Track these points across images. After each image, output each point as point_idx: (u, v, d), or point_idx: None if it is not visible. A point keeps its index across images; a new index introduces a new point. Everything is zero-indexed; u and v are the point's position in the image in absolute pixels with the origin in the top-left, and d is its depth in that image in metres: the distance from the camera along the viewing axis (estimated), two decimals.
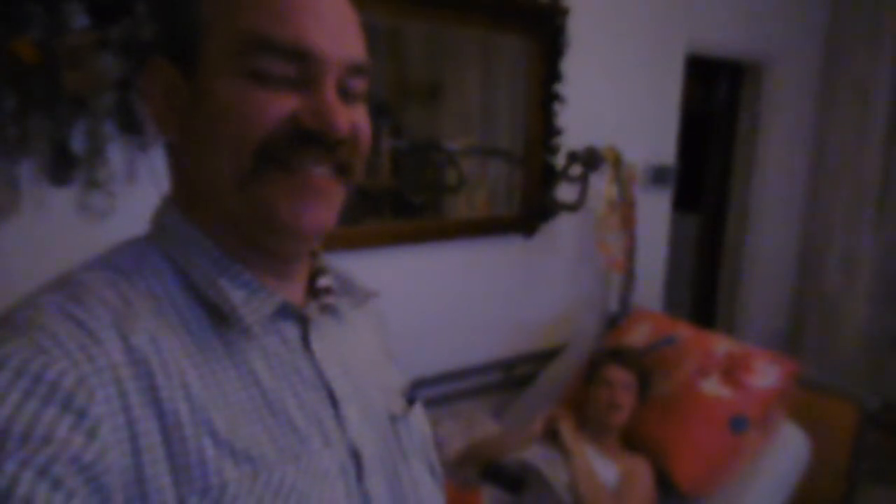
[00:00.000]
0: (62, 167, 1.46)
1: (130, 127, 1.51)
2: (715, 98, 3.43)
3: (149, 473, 0.45)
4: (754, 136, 3.20)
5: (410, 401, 0.68)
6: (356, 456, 0.56)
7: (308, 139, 0.51)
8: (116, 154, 1.52)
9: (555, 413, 1.77)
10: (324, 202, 0.54)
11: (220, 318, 0.53)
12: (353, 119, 0.54)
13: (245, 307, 0.53)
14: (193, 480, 0.46)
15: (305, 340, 0.58)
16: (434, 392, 2.13)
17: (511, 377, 2.37)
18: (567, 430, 1.70)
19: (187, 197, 0.57)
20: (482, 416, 2.11)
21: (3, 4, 1.32)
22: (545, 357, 2.38)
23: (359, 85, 0.55)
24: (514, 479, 1.62)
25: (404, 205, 2.21)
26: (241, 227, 0.54)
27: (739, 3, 2.83)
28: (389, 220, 2.15)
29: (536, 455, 1.69)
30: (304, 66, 0.51)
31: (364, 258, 1.90)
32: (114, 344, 0.47)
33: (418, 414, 0.69)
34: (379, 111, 2.17)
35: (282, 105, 0.51)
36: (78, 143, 1.47)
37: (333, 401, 0.57)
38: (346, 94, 0.54)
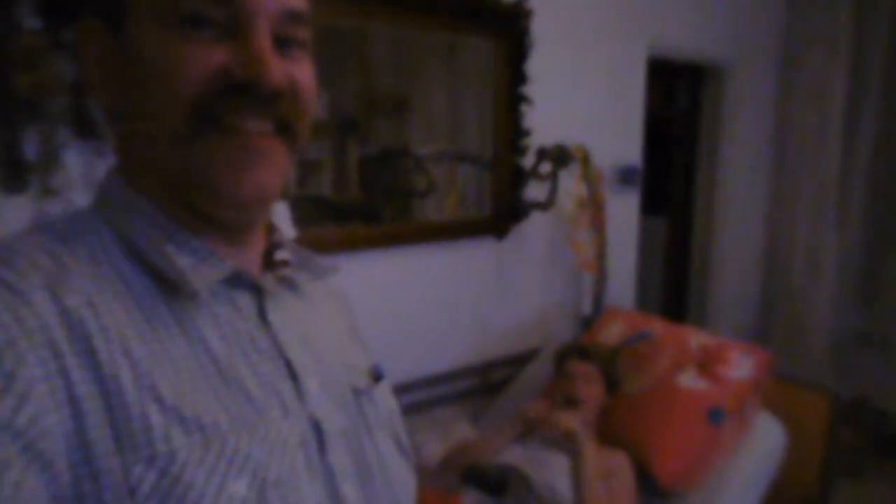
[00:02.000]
0: (15, 174, 1.41)
1: (86, 132, 1.46)
2: (677, 101, 3.49)
3: (93, 437, 0.43)
4: (716, 138, 3.26)
5: (377, 377, 0.66)
6: (317, 429, 0.54)
7: (240, 92, 0.48)
8: (73, 160, 1.47)
9: (531, 405, 1.75)
10: (264, 164, 0.51)
11: (166, 285, 0.50)
12: (292, 72, 0.51)
13: (193, 273, 0.50)
14: (138, 448, 0.44)
15: (261, 311, 0.55)
16: (409, 399, 2.09)
17: (486, 382, 2.34)
18: (573, 424, 1.68)
19: (128, 164, 0.54)
20: (459, 421, 2.08)
21: None
22: (521, 361, 2.36)
23: (298, 33, 0.52)
24: (495, 481, 1.59)
25: (373, 214, 2.19)
26: (180, 192, 0.51)
27: (699, 6, 2.89)
28: (358, 226, 2.12)
29: (517, 456, 1.66)
30: (230, 12, 0.48)
31: (333, 263, 1.86)
32: (46, 306, 0.44)
33: (384, 390, 0.67)
34: (345, 122, 2.15)
35: (210, 57, 0.48)
36: (31, 149, 1.41)
37: (292, 373, 0.54)
38: (284, 45, 0.51)
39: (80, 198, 1.46)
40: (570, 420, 1.70)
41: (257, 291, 0.56)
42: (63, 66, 1.39)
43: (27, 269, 0.45)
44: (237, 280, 0.54)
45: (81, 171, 1.49)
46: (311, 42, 0.54)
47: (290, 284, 0.61)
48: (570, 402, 1.78)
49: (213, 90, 0.48)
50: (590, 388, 1.80)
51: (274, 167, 0.52)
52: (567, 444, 1.66)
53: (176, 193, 0.52)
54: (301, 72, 0.52)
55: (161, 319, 0.49)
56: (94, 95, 0.52)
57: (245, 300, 0.55)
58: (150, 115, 0.49)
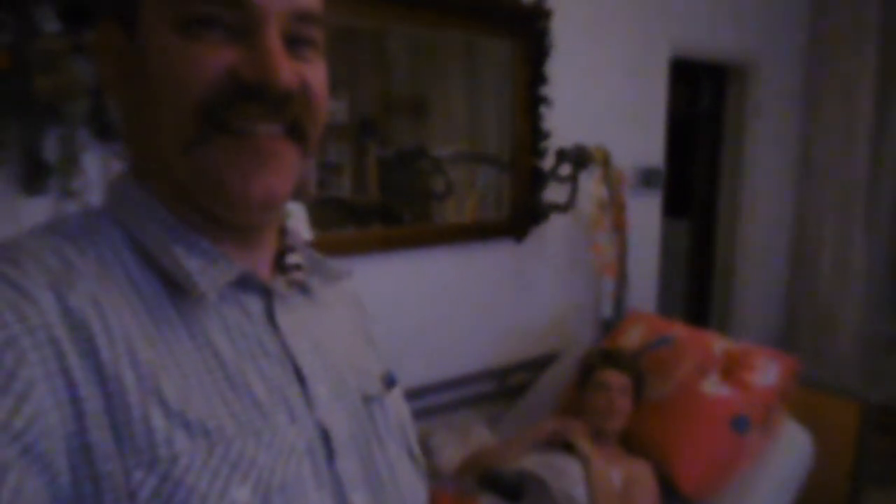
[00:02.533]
0: (35, 176, 1.42)
1: (105, 134, 1.47)
2: (700, 101, 3.43)
3: (94, 438, 0.42)
4: (740, 138, 3.20)
5: (389, 384, 0.65)
6: (325, 435, 0.53)
7: (249, 94, 0.47)
8: (91, 162, 1.48)
9: (567, 424, 1.72)
10: (274, 167, 0.50)
11: (174, 287, 0.49)
12: (303, 73, 0.50)
13: (200, 275, 0.49)
14: (139, 452, 0.43)
15: (270, 314, 0.54)
16: (427, 402, 2.08)
17: (505, 386, 2.32)
18: (582, 439, 1.66)
19: (139, 165, 0.54)
20: (476, 426, 2.06)
21: None
22: (539, 364, 2.33)
23: (310, 33, 0.51)
24: (512, 486, 1.57)
25: (393, 216, 2.18)
26: (190, 195, 0.51)
27: (722, 5, 2.84)
28: (377, 228, 2.11)
29: (535, 462, 1.63)
30: (241, 13, 0.47)
31: (352, 265, 1.85)
32: (49, 305, 0.43)
33: (396, 397, 0.66)
34: (364, 124, 2.14)
35: (218, 58, 0.47)
36: (51, 152, 1.43)
37: (300, 377, 0.53)
38: (295, 45, 0.50)
39: (99, 199, 1.47)
40: (580, 433, 1.68)
41: (267, 294, 0.55)
42: (83, 69, 1.40)
43: (33, 267, 0.45)
44: (246, 283, 0.54)
45: (100, 173, 1.50)
46: (324, 42, 0.53)
47: (302, 288, 0.60)
48: (612, 414, 1.74)
49: (221, 92, 0.47)
50: (624, 400, 1.77)
51: (284, 170, 0.51)
52: (559, 452, 1.64)
53: (186, 196, 0.51)
54: (313, 73, 0.51)
55: (169, 321, 0.48)
56: (108, 96, 0.52)
57: (254, 303, 0.54)
58: (160, 118, 0.49)
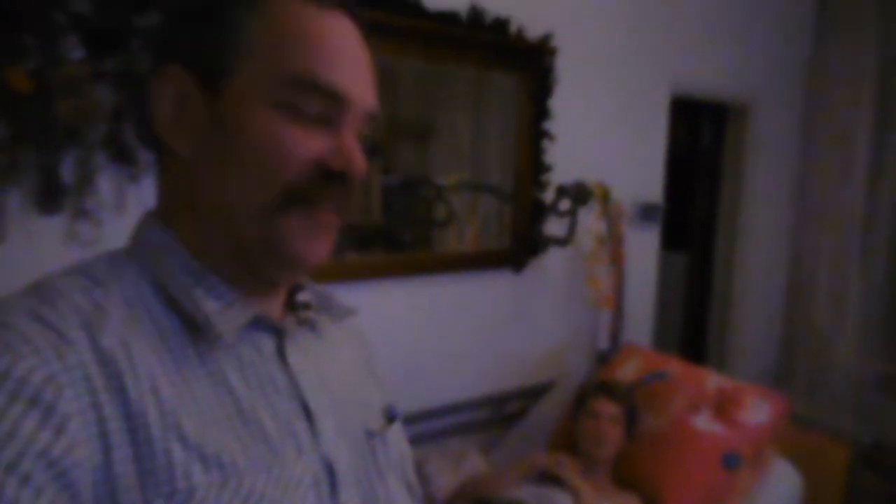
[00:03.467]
0: (51, 196, 1.46)
1: (122, 157, 1.52)
2: (700, 139, 3.49)
3: (119, 471, 0.45)
4: (739, 176, 3.25)
5: (391, 418, 0.68)
6: (330, 469, 0.56)
7: (332, 180, 0.54)
8: (106, 184, 1.52)
9: (558, 458, 1.74)
10: (328, 237, 0.57)
11: (193, 328, 0.53)
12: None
13: (218, 316, 0.53)
14: (160, 484, 0.46)
15: (281, 352, 0.58)
16: (422, 429, 2.10)
17: (500, 414, 2.34)
18: (573, 473, 1.68)
19: (183, 212, 0.56)
20: (471, 453, 2.08)
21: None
22: (534, 393, 2.36)
23: (367, 130, 0.59)
24: None
25: (394, 241, 2.22)
26: (246, 254, 0.55)
27: (722, 46, 2.91)
28: (379, 254, 2.15)
29: (526, 493, 1.65)
30: (335, 108, 0.54)
31: (352, 291, 1.89)
32: (83, 344, 0.47)
33: (397, 432, 0.69)
34: (370, 149, 2.19)
35: (311, 145, 0.53)
36: (68, 173, 1.47)
37: (308, 413, 0.57)
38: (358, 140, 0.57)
39: (110, 218, 1.51)
40: (571, 467, 1.70)
41: (278, 333, 0.59)
42: (103, 95, 1.44)
43: (68, 310, 0.48)
44: (259, 322, 0.57)
45: (113, 194, 1.54)
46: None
47: (310, 325, 0.64)
48: (599, 441, 1.77)
49: (308, 177, 0.53)
50: (614, 430, 1.79)
51: (332, 241, 0.58)
52: (551, 484, 1.67)
53: (238, 252, 0.55)
54: (365, 165, 0.58)
55: (188, 361, 0.52)
56: (160, 139, 0.55)
57: (266, 342, 0.57)
58: (243, 181, 0.53)
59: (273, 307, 0.60)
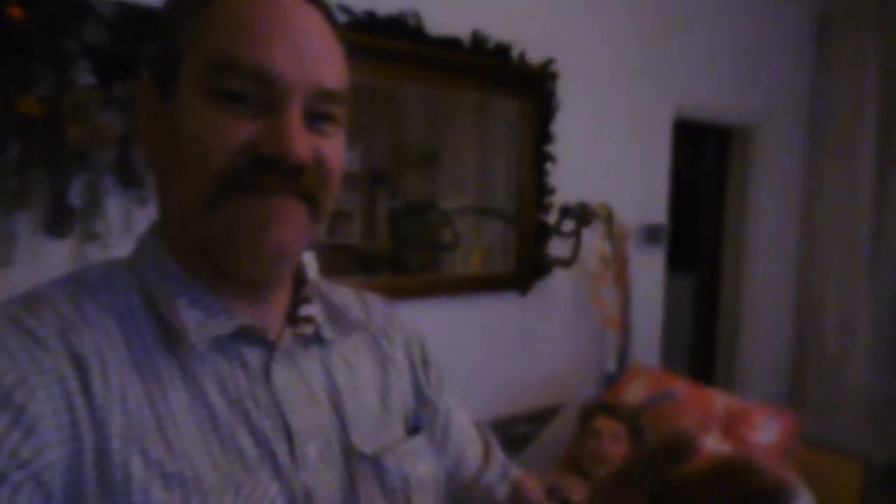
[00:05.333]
0: (60, 219, 1.48)
1: (130, 181, 1.54)
2: (704, 160, 3.51)
3: (88, 477, 0.45)
4: (744, 197, 3.26)
5: (415, 427, 0.66)
6: (307, 495, 0.53)
7: (266, 166, 0.51)
8: (115, 208, 1.54)
9: (564, 479, 1.73)
10: (284, 222, 0.52)
11: (174, 338, 0.52)
12: (319, 147, 0.53)
13: (197, 327, 0.52)
14: (115, 496, 0.45)
15: (268, 368, 0.56)
16: None
17: (509, 437, 2.32)
18: (578, 494, 1.66)
19: (164, 219, 0.58)
20: None
21: (11, 63, 1.37)
22: (543, 416, 2.34)
23: (332, 111, 0.54)
24: None
25: (401, 265, 2.23)
26: (206, 250, 0.54)
27: (725, 69, 2.94)
28: (385, 277, 2.16)
29: None
30: (267, 90, 0.51)
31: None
32: (59, 350, 0.47)
33: (411, 451, 0.64)
34: (376, 174, 2.22)
35: (241, 131, 0.50)
36: (77, 197, 1.49)
37: (290, 433, 0.54)
38: (315, 121, 0.53)
39: (119, 242, 1.53)
40: (577, 490, 1.68)
41: (269, 347, 0.56)
42: (112, 120, 1.47)
43: (49, 317, 0.49)
44: (249, 336, 0.55)
45: (121, 218, 1.56)
46: (346, 116, 0.57)
47: (317, 339, 0.61)
48: (600, 459, 1.75)
49: (239, 163, 0.50)
50: (617, 448, 1.78)
51: (295, 226, 0.53)
52: None
53: (202, 250, 0.54)
54: (330, 147, 0.54)
55: (167, 371, 0.51)
56: (140, 148, 0.57)
57: (254, 356, 0.55)
58: (183, 177, 0.52)
59: (268, 319, 0.58)
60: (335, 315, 0.64)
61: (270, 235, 0.52)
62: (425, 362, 0.73)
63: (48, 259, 1.47)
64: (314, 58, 0.53)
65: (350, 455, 0.58)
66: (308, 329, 0.60)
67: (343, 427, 0.59)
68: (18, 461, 0.42)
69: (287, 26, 0.52)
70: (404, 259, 2.25)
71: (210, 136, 0.50)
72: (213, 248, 0.53)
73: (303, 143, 0.51)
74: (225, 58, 0.50)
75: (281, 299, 0.60)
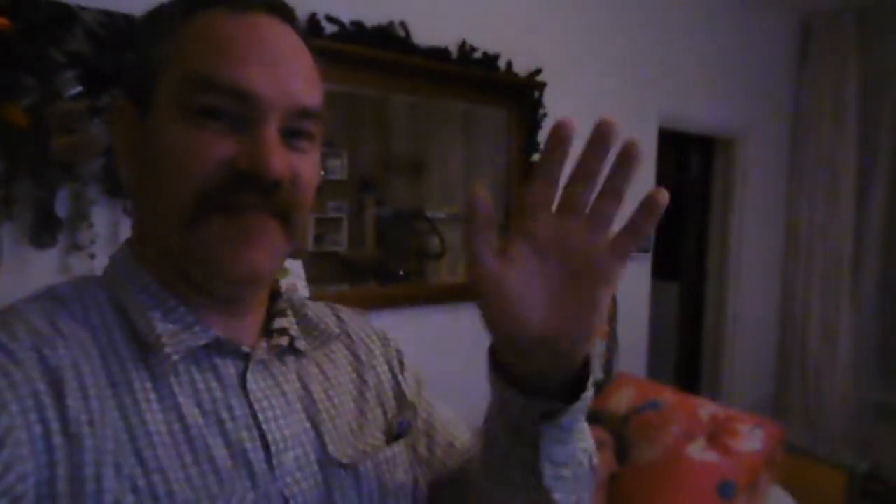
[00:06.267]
0: (46, 230, 1.47)
1: (116, 191, 1.53)
2: (688, 170, 3.55)
3: (60, 489, 0.45)
4: (728, 206, 3.30)
5: (397, 435, 0.66)
6: (286, 503, 0.54)
7: (243, 182, 0.51)
8: (100, 218, 1.53)
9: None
10: (259, 243, 0.53)
11: (148, 350, 0.52)
12: (294, 164, 0.54)
13: (170, 338, 0.52)
14: None
15: (243, 379, 0.56)
16: None
17: None
18: None
19: (139, 236, 0.58)
20: None
21: None
22: None
23: (308, 128, 0.55)
24: None
25: (387, 274, 2.23)
26: (182, 268, 0.54)
27: (708, 80, 2.98)
28: (372, 286, 2.16)
29: None
30: (244, 107, 0.51)
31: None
32: (32, 364, 0.47)
33: (390, 458, 0.64)
34: (363, 182, 2.22)
35: (219, 149, 0.51)
36: (62, 207, 1.48)
37: (266, 443, 0.54)
38: (292, 138, 0.54)
39: (104, 252, 1.52)
40: None
41: (244, 359, 0.57)
42: (98, 131, 1.47)
43: (22, 332, 0.49)
44: (222, 348, 0.56)
45: (108, 228, 1.55)
46: (321, 132, 0.58)
47: (292, 350, 0.62)
48: None
49: (218, 180, 0.51)
50: (601, 454, 1.79)
51: (269, 247, 0.54)
52: None
53: (177, 267, 0.54)
54: (304, 164, 0.55)
55: (140, 383, 0.51)
56: (118, 167, 0.56)
57: (228, 368, 0.56)
58: (161, 195, 0.53)
59: (243, 332, 0.58)
60: (308, 327, 0.64)
61: (245, 257, 0.52)
62: (403, 366, 0.74)
63: (34, 269, 1.46)
64: (290, 76, 0.53)
65: (327, 463, 0.58)
66: (283, 341, 0.61)
67: (319, 436, 0.59)
68: None
69: (263, 44, 0.53)
70: (391, 267, 2.25)
71: (188, 153, 0.51)
72: (189, 267, 0.54)
73: (279, 159, 0.51)
74: (201, 75, 0.51)
75: (256, 312, 0.61)
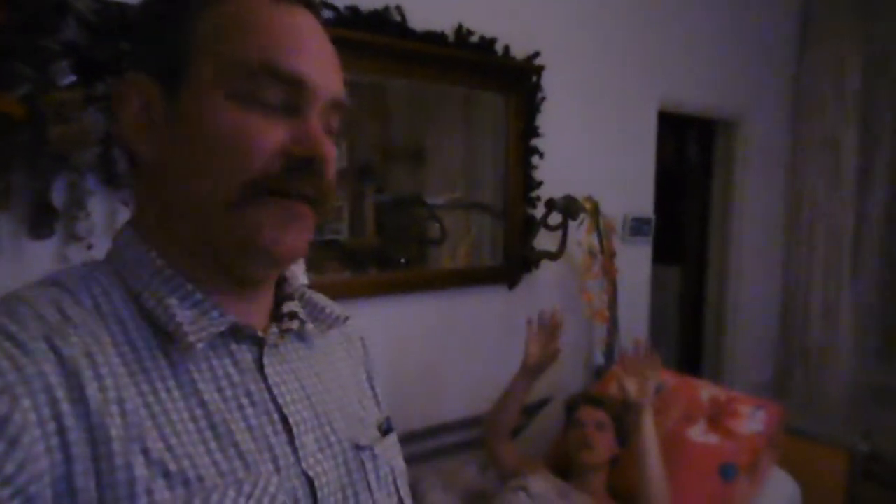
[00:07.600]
0: (43, 220, 1.46)
1: (113, 181, 1.53)
2: (689, 153, 3.53)
3: (80, 484, 0.44)
4: (729, 189, 3.28)
5: (386, 431, 0.67)
6: (310, 484, 0.54)
7: (299, 167, 0.53)
8: (97, 207, 1.53)
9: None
10: (302, 228, 0.55)
11: (165, 337, 0.52)
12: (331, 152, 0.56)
13: (190, 326, 0.52)
14: (119, 499, 0.45)
15: (260, 364, 0.56)
16: (418, 447, 2.08)
17: None
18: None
19: (155, 216, 0.56)
20: (465, 468, 2.07)
21: None
22: (531, 410, 2.34)
23: (336, 120, 0.58)
24: None
25: (388, 260, 2.23)
26: (217, 249, 0.54)
27: (709, 62, 2.95)
28: (372, 272, 2.16)
29: (523, 500, 1.65)
30: (297, 95, 0.53)
31: (346, 310, 1.89)
32: (44, 355, 0.46)
33: (390, 446, 0.67)
34: (363, 170, 2.21)
35: (274, 134, 0.52)
36: (59, 197, 1.48)
37: (287, 427, 0.55)
38: (325, 128, 0.56)
39: (102, 243, 1.51)
40: (633, 384, 1.74)
41: (259, 344, 0.57)
42: (94, 120, 1.46)
43: (30, 320, 0.47)
44: (238, 333, 0.56)
45: (105, 218, 1.55)
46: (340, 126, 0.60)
47: (298, 335, 0.62)
48: (584, 447, 1.77)
49: (274, 167, 0.52)
50: (602, 436, 1.80)
51: (307, 230, 0.56)
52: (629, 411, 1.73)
53: (210, 248, 0.54)
54: (333, 153, 0.57)
55: (158, 371, 0.50)
56: (127, 146, 0.55)
57: (245, 353, 0.56)
58: (206, 177, 0.52)
59: (255, 317, 0.59)
60: (314, 312, 0.65)
61: (288, 239, 0.54)
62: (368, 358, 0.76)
63: (31, 260, 1.45)
64: (331, 68, 0.57)
65: (346, 444, 0.60)
66: (293, 325, 0.62)
67: (334, 419, 0.60)
68: (3, 477, 0.41)
69: (312, 36, 0.55)
70: (392, 254, 2.25)
71: (243, 137, 0.52)
72: (228, 248, 0.54)
73: (328, 144, 0.54)
74: (265, 64, 0.52)
75: (266, 296, 0.61)
